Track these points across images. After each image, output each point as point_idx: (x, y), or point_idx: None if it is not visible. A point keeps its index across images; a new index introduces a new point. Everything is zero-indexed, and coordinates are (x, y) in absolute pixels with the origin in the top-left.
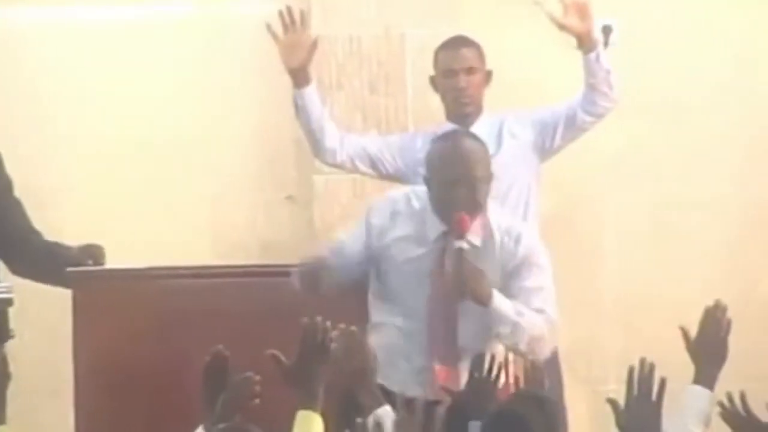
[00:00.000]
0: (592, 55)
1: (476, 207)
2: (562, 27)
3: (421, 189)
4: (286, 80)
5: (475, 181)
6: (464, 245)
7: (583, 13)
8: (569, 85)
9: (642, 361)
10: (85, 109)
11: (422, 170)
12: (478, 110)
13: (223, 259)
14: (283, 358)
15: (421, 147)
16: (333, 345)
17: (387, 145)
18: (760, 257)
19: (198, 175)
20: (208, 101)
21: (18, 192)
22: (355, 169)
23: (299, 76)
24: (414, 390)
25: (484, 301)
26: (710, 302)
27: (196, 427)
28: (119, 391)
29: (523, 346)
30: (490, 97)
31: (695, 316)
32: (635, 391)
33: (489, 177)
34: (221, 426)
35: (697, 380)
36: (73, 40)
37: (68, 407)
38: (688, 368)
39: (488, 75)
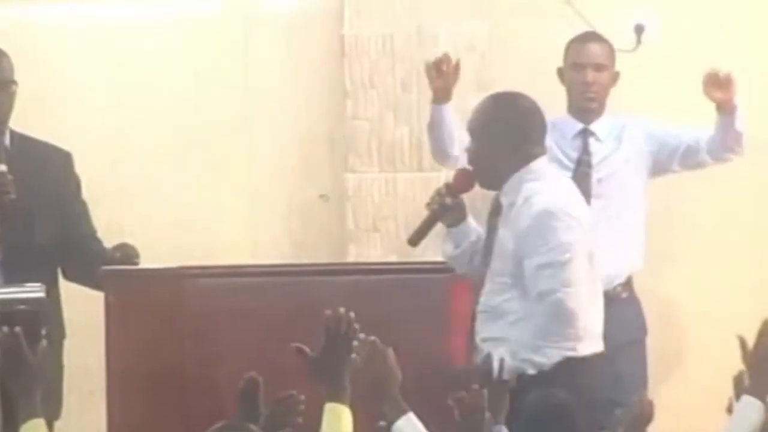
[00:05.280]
0: (729, 118)
1: (485, 163)
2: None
3: None
4: (321, 79)
5: (482, 135)
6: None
7: (721, 84)
8: None
9: None
10: (117, 108)
11: None
12: (600, 108)
13: (256, 259)
14: (307, 350)
15: None
16: (354, 356)
17: None
18: None
19: (232, 175)
20: (242, 101)
21: None
22: None
23: (442, 95)
24: None
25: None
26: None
27: None
28: (152, 392)
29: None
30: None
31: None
32: None
33: (504, 135)
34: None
35: (751, 391)
36: (108, 38)
37: (102, 407)
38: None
39: (616, 75)
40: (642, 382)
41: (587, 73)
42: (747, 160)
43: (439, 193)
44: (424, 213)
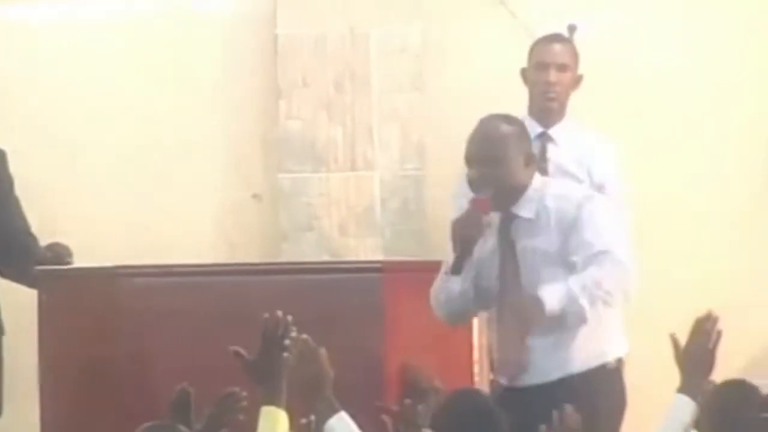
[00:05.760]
0: None
1: (504, 185)
2: None
3: None
4: (254, 79)
5: (495, 159)
6: (487, 221)
7: None
8: None
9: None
10: (51, 108)
11: None
12: (561, 109)
13: (190, 258)
14: (245, 353)
15: None
16: (285, 354)
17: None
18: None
19: (164, 175)
20: (174, 101)
21: None
22: None
23: None
24: None
25: (537, 322)
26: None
27: None
28: (85, 391)
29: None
30: (458, 94)
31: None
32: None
33: (520, 156)
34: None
35: (683, 389)
36: (40, 37)
37: (34, 408)
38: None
39: (579, 78)
40: None
41: (550, 72)
42: (679, 155)
43: (477, 219)
44: (357, 212)
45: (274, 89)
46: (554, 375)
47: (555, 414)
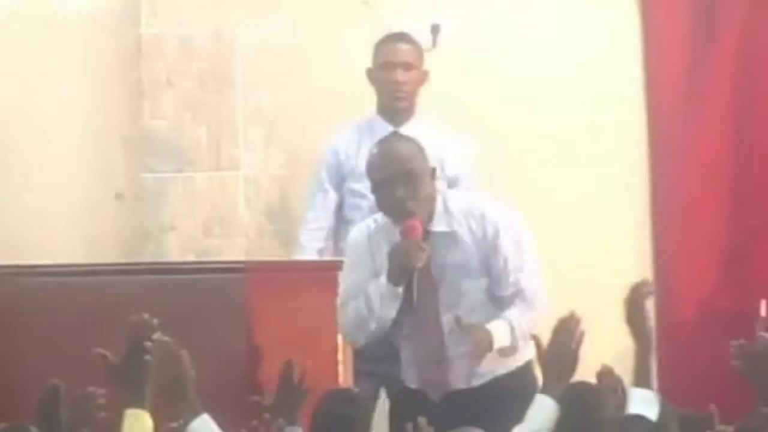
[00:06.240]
0: None
1: (422, 201)
2: None
3: None
4: (117, 79)
5: (411, 175)
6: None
7: None
8: None
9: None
10: None
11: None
12: (411, 108)
13: (51, 258)
14: (110, 356)
15: (344, 160)
16: (147, 357)
17: (323, 197)
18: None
19: (26, 174)
20: (34, 100)
21: None
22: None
23: None
24: None
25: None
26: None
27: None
28: None
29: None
30: (323, 95)
31: None
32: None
33: (428, 169)
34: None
35: (544, 390)
36: None
37: None
38: None
39: (425, 75)
40: None
41: (397, 72)
42: (532, 150)
43: (420, 246)
44: (222, 212)
45: (138, 89)
46: (477, 381)
47: (408, 425)
